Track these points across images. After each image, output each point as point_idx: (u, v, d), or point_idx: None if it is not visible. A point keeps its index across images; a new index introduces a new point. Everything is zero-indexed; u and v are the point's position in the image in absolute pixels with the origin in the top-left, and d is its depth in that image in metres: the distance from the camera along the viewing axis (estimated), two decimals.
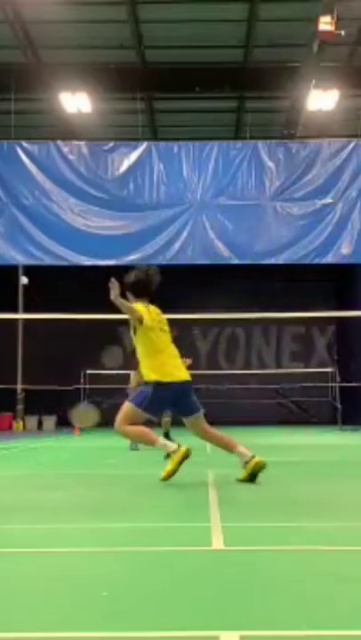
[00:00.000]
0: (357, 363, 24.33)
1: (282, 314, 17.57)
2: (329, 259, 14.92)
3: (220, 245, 14.77)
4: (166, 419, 11.20)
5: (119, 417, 6.23)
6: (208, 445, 11.79)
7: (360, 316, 20.08)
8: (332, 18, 13.96)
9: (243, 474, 6.12)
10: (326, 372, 24.77)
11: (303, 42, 15.96)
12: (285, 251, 14.85)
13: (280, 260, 14.96)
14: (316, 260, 14.93)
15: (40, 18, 15.63)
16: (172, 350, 6.44)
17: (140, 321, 6.25)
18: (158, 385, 6.17)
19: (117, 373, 25.35)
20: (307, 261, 14.96)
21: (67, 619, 2.32)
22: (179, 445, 6.14)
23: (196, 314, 20.17)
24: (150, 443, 6.23)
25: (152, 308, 6.49)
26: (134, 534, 3.81)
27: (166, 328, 6.51)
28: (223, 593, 2.59)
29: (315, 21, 14.30)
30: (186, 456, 6.06)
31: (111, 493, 5.71)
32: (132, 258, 14.85)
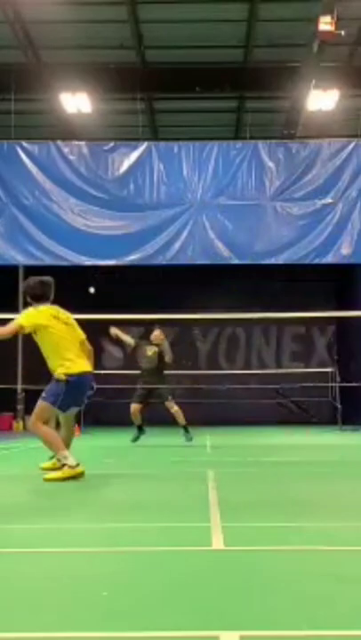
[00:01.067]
0: (357, 363, 24.32)
1: (282, 314, 17.56)
2: (329, 259, 14.92)
3: (220, 245, 14.77)
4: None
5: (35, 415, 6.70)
6: (208, 445, 11.81)
7: (360, 316, 20.08)
8: (332, 18, 13.96)
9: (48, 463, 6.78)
10: (326, 372, 24.74)
11: (303, 42, 15.95)
12: (285, 251, 14.85)
13: (280, 260, 14.96)
14: (316, 260, 14.93)
15: (40, 18, 15.62)
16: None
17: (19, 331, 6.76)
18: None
19: (117, 373, 25.38)
20: (307, 261, 14.96)
21: (67, 619, 2.33)
22: (78, 464, 6.41)
23: (197, 314, 20.17)
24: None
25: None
26: (134, 534, 3.81)
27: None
28: (223, 593, 2.59)
29: (315, 21, 14.29)
30: (75, 477, 6.31)
31: (110, 493, 5.71)
32: (132, 258, 14.86)
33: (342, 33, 14.10)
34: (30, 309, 6.74)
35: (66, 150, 15.17)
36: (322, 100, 17.73)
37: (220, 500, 5.04)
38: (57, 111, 18.57)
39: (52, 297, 6.89)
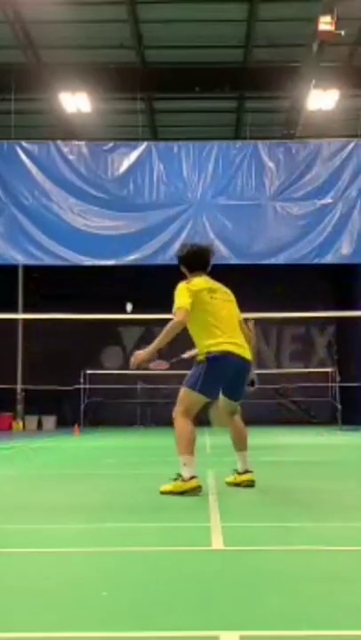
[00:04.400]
0: (357, 363, 24.33)
1: (282, 314, 17.55)
2: (329, 259, 14.92)
3: (220, 245, 14.76)
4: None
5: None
6: (208, 445, 11.81)
7: (360, 316, 20.07)
8: (332, 18, 13.96)
9: (237, 478, 5.97)
10: (326, 372, 24.76)
11: (303, 42, 15.95)
12: (285, 251, 14.85)
13: (280, 259, 14.96)
14: (316, 260, 14.93)
15: (40, 18, 15.62)
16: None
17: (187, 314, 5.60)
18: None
19: (117, 373, 25.39)
20: (307, 261, 14.96)
21: (67, 619, 2.32)
22: (193, 477, 5.37)
23: None
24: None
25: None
26: (134, 534, 3.81)
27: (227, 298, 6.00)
28: (223, 593, 2.59)
29: (315, 21, 14.30)
30: (194, 492, 5.34)
31: (111, 493, 5.71)
32: (132, 258, 14.86)
33: (342, 33, 14.10)
34: (182, 285, 5.74)
35: (66, 150, 15.16)
36: (322, 99, 17.74)
37: (220, 499, 5.04)
38: (57, 111, 18.57)
39: (208, 267, 6.02)
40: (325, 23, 14.01)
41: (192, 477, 5.33)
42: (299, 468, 8.20)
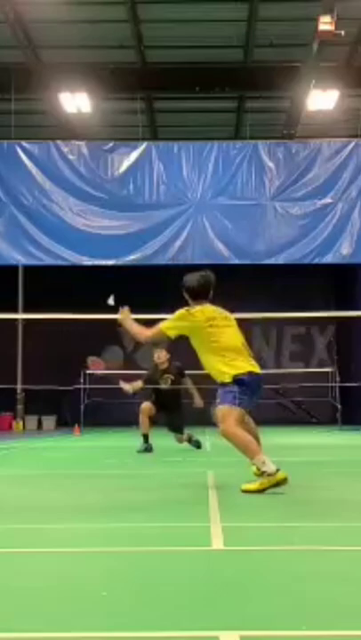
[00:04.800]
0: (357, 363, 24.32)
1: (282, 314, 17.56)
2: (329, 259, 14.93)
3: (219, 245, 14.78)
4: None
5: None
6: (208, 445, 11.80)
7: (360, 316, 20.07)
8: (332, 18, 13.97)
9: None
10: (326, 372, 24.75)
11: (303, 42, 15.97)
12: (285, 251, 14.86)
13: (280, 259, 14.96)
14: (316, 260, 14.94)
15: (40, 18, 15.63)
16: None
17: (163, 336, 6.04)
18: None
19: (117, 373, 25.35)
20: (307, 261, 14.97)
21: (66, 619, 2.32)
22: (278, 469, 5.48)
23: None
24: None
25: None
26: (134, 534, 3.81)
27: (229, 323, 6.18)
28: (223, 593, 2.59)
29: (315, 21, 14.31)
30: (282, 483, 5.42)
31: (111, 493, 5.71)
32: (132, 258, 14.87)
33: (342, 33, 14.11)
34: (183, 312, 6.03)
35: (65, 150, 15.17)
36: (322, 99, 17.75)
37: (220, 500, 5.04)
38: (57, 111, 18.57)
39: (210, 295, 6.20)
40: (325, 23, 14.03)
41: (277, 470, 5.47)
42: (299, 468, 8.20)
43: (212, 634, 2.12)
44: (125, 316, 6.28)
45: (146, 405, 11.28)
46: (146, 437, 10.97)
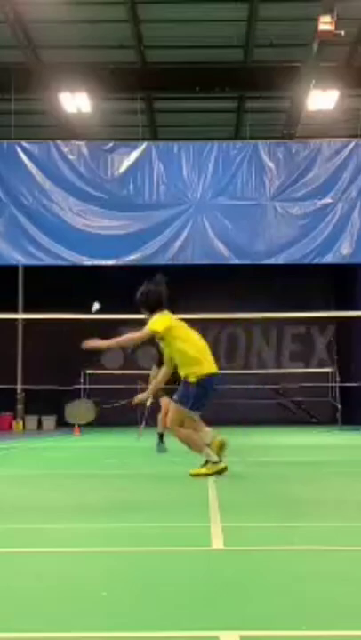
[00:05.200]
0: (357, 363, 24.33)
1: (282, 314, 17.56)
2: (329, 259, 14.93)
3: (219, 245, 14.77)
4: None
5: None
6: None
7: (360, 316, 20.09)
8: (332, 18, 13.97)
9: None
10: (326, 372, 24.76)
11: (303, 42, 15.97)
12: (285, 251, 14.86)
13: (280, 259, 14.96)
14: (316, 260, 14.93)
15: (40, 18, 15.63)
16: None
17: (152, 335, 6.59)
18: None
19: (117, 373, 25.37)
20: (307, 261, 14.97)
21: (66, 619, 2.32)
22: (220, 460, 6.45)
23: (196, 314, 20.14)
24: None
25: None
26: (134, 534, 3.81)
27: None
28: (223, 593, 2.59)
29: (315, 21, 14.31)
30: (221, 472, 6.39)
31: (111, 493, 5.71)
32: (132, 258, 14.86)
33: (342, 33, 14.11)
34: (156, 316, 6.65)
35: (66, 150, 15.17)
36: (322, 99, 17.75)
37: (220, 500, 5.04)
38: (57, 111, 18.57)
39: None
40: (325, 23, 14.03)
41: (219, 461, 6.41)
42: (299, 468, 8.21)
43: (212, 634, 2.12)
44: (96, 344, 6.83)
45: (165, 401, 11.29)
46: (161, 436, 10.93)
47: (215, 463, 6.43)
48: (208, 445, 6.46)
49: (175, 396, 6.63)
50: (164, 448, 10.59)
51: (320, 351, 28.76)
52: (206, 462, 6.51)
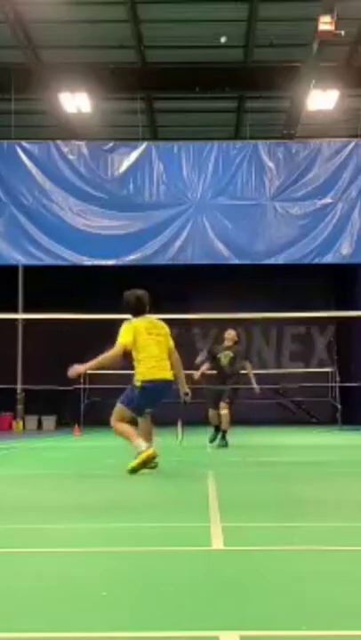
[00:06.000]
0: (357, 363, 24.32)
1: (282, 314, 17.56)
2: (329, 259, 14.94)
3: (219, 245, 14.78)
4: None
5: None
6: (208, 445, 11.81)
7: (360, 316, 20.08)
8: (332, 18, 13.97)
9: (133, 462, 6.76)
10: (326, 372, 24.74)
11: (303, 42, 15.97)
12: (285, 251, 14.86)
13: (280, 259, 14.97)
14: (316, 260, 14.94)
15: (40, 18, 15.63)
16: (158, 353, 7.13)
17: (125, 349, 7.02)
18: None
19: (117, 373, 25.35)
20: (307, 261, 14.97)
21: (66, 619, 2.32)
22: (148, 447, 6.79)
23: (196, 314, 20.16)
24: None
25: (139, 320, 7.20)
26: (134, 534, 3.81)
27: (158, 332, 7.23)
28: (223, 593, 2.59)
29: (315, 21, 14.31)
30: (150, 459, 6.75)
31: (111, 493, 5.71)
32: (131, 258, 14.87)
33: (342, 33, 14.11)
34: (125, 325, 7.11)
35: (66, 150, 15.18)
36: (322, 99, 17.75)
37: (220, 499, 5.03)
38: (57, 111, 18.57)
39: (147, 309, 7.26)
40: (325, 23, 14.03)
41: (147, 448, 6.75)
42: (299, 468, 8.21)
43: (212, 634, 2.12)
44: (78, 370, 7.12)
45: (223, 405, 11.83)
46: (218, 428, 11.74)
47: (142, 451, 6.69)
48: (138, 454, 6.71)
49: (120, 397, 7.15)
50: (225, 443, 11.39)
51: (320, 351, 28.74)
52: (138, 453, 6.77)
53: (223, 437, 11.48)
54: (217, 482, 6.26)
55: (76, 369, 7.07)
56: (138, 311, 7.21)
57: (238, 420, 23.58)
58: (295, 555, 3.31)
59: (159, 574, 2.92)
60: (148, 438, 7.07)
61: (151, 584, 2.74)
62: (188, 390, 7.46)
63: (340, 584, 2.74)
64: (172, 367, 7.18)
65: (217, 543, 3.49)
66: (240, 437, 14.18)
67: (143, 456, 6.69)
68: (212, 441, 11.84)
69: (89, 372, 26.54)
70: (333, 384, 24.15)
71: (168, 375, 7.05)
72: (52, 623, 2.27)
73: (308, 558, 3.24)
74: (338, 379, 23.74)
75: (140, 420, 7.24)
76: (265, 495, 5.46)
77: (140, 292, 7.33)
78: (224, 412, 11.50)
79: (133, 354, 7.06)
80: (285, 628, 2.19)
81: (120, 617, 2.32)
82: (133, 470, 6.66)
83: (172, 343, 7.26)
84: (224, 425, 11.47)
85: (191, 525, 4.05)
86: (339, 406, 22.94)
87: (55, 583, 2.80)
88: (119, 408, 7.12)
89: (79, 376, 7.48)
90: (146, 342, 7.00)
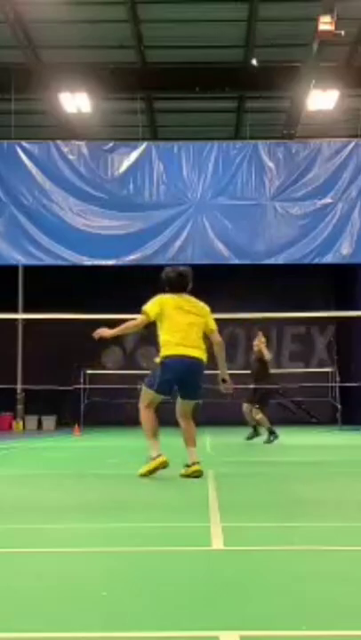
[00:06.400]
0: (357, 363, 24.32)
1: (282, 314, 17.55)
2: (329, 259, 14.93)
3: (219, 245, 14.78)
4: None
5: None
6: (208, 445, 11.82)
7: (360, 316, 20.08)
8: (332, 18, 13.97)
9: (183, 471, 6.65)
10: (326, 372, 24.74)
11: (303, 42, 15.96)
12: (285, 251, 14.86)
13: (280, 259, 14.96)
14: (316, 260, 14.94)
15: (40, 18, 15.62)
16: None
17: (148, 319, 6.68)
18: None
19: (117, 373, 25.36)
20: (307, 261, 14.97)
21: (66, 619, 2.32)
22: (159, 454, 6.50)
23: None
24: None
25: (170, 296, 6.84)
26: (134, 534, 3.81)
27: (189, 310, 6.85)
28: (223, 593, 2.59)
29: (315, 21, 14.31)
30: (161, 466, 6.49)
31: (111, 493, 5.71)
32: (132, 258, 14.86)
33: (342, 33, 14.11)
34: (157, 296, 6.83)
35: (66, 150, 15.17)
36: (322, 99, 17.75)
37: (220, 500, 5.04)
38: (57, 111, 18.57)
39: (188, 287, 6.97)
40: (325, 23, 14.03)
41: (158, 455, 6.47)
42: (299, 468, 8.21)
43: (212, 634, 2.13)
44: (103, 332, 6.83)
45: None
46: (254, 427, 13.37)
47: (153, 458, 6.50)
48: (152, 458, 6.51)
49: (145, 379, 6.89)
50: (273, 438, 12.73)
51: (320, 351, 28.74)
52: (149, 458, 6.61)
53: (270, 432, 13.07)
54: (217, 482, 6.26)
55: (102, 331, 6.81)
56: (173, 288, 6.86)
57: (238, 420, 23.62)
58: (295, 555, 3.31)
59: (159, 574, 2.92)
60: (191, 443, 6.74)
61: (151, 584, 2.74)
62: (227, 378, 7.09)
63: (340, 584, 2.74)
64: (215, 352, 6.89)
65: (217, 543, 3.49)
66: (240, 437, 14.19)
67: (152, 464, 6.48)
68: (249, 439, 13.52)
69: (89, 372, 26.43)
70: (333, 384, 24.14)
71: (193, 353, 6.61)
72: (52, 623, 2.27)
73: (308, 558, 3.25)
74: (338, 379, 23.73)
75: (182, 422, 6.83)
76: (265, 495, 5.46)
77: (182, 268, 7.11)
78: (259, 416, 13.15)
79: (159, 330, 6.73)
80: (285, 628, 2.19)
81: (120, 617, 2.32)
82: (143, 475, 6.49)
83: (212, 325, 6.93)
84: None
85: (191, 525, 4.05)
86: (339, 406, 22.94)
87: (55, 583, 2.80)
88: (144, 391, 6.77)
89: (102, 340, 7.01)
90: (172, 318, 6.66)
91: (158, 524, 4.11)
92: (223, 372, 7.04)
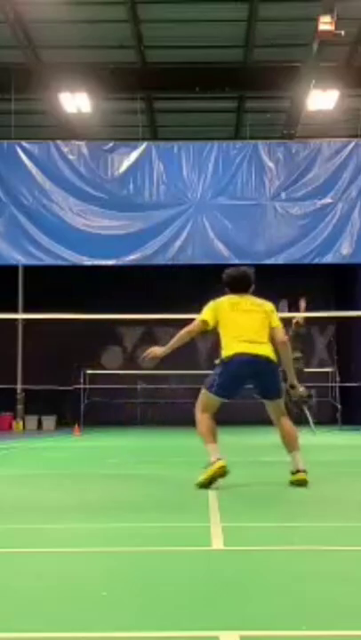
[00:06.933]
0: (357, 363, 24.32)
1: (282, 314, 17.53)
2: (329, 259, 14.93)
3: (219, 245, 14.78)
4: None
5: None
6: None
7: (360, 316, 20.07)
8: (332, 18, 13.98)
9: (291, 478, 6.09)
10: (326, 372, 24.74)
11: (303, 42, 15.97)
12: (285, 251, 14.86)
13: (280, 259, 14.96)
14: (316, 260, 14.94)
15: (40, 18, 15.62)
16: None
17: (205, 326, 6.35)
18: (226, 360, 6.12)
19: (117, 373, 25.37)
20: (307, 261, 14.97)
21: (66, 619, 2.32)
22: (218, 459, 5.85)
23: (196, 313, 20.13)
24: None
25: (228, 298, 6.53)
26: (134, 534, 3.81)
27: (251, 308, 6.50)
28: (223, 593, 2.59)
29: (315, 21, 14.31)
30: (219, 474, 5.80)
31: (111, 493, 5.71)
32: (131, 258, 14.86)
33: (342, 33, 14.12)
34: (210, 303, 6.49)
35: (66, 150, 15.17)
36: (322, 99, 17.75)
37: (220, 500, 5.03)
38: (57, 111, 18.57)
39: (250, 288, 6.68)
40: (325, 23, 14.03)
41: (217, 460, 5.82)
42: None
43: (212, 634, 2.13)
44: (155, 353, 6.27)
45: None
46: None
47: (211, 464, 5.86)
48: (210, 464, 5.87)
49: (205, 380, 6.37)
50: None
51: (320, 351, 28.74)
52: (207, 464, 6.02)
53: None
54: (217, 482, 6.26)
55: (154, 351, 6.24)
56: (234, 289, 6.55)
57: (238, 420, 23.63)
58: (295, 555, 3.31)
59: (159, 574, 2.92)
60: (291, 447, 6.22)
61: (151, 584, 2.74)
62: (295, 383, 6.62)
63: (340, 584, 2.74)
64: (278, 352, 6.29)
65: (217, 543, 3.49)
66: (240, 437, 14.18)
67: (210, 472, 5.78)
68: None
69: (89, 372, 26.40)
70: (333, 384, 24.14)
71: (258, 350, 6.07)
72: (52, 623, 2.27)
73: (308, 558, 3.25)
74: (338, 379, 23.73)
75: (277, 425, 6.32)
76: (265, 495, 5.46)
77: (244, 268, 6.80)
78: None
79: (220, 335, 6.32)
80: (285, 628, 2.19)
81: (120, 617, 2.32)
82: (202, 486, 5.73)
83: (277, 323, 6.45)
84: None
85: (191, 525, 4.05)
86: (339, 406, 22.94)
87: (55, 583, 2.80)
88: (202, 394, 6.24)
89: (154, 359, 6.23)
90: (230, 318, 6.28)
91: (158, 524, 4.11)
92: (291, 376, 6.60)
